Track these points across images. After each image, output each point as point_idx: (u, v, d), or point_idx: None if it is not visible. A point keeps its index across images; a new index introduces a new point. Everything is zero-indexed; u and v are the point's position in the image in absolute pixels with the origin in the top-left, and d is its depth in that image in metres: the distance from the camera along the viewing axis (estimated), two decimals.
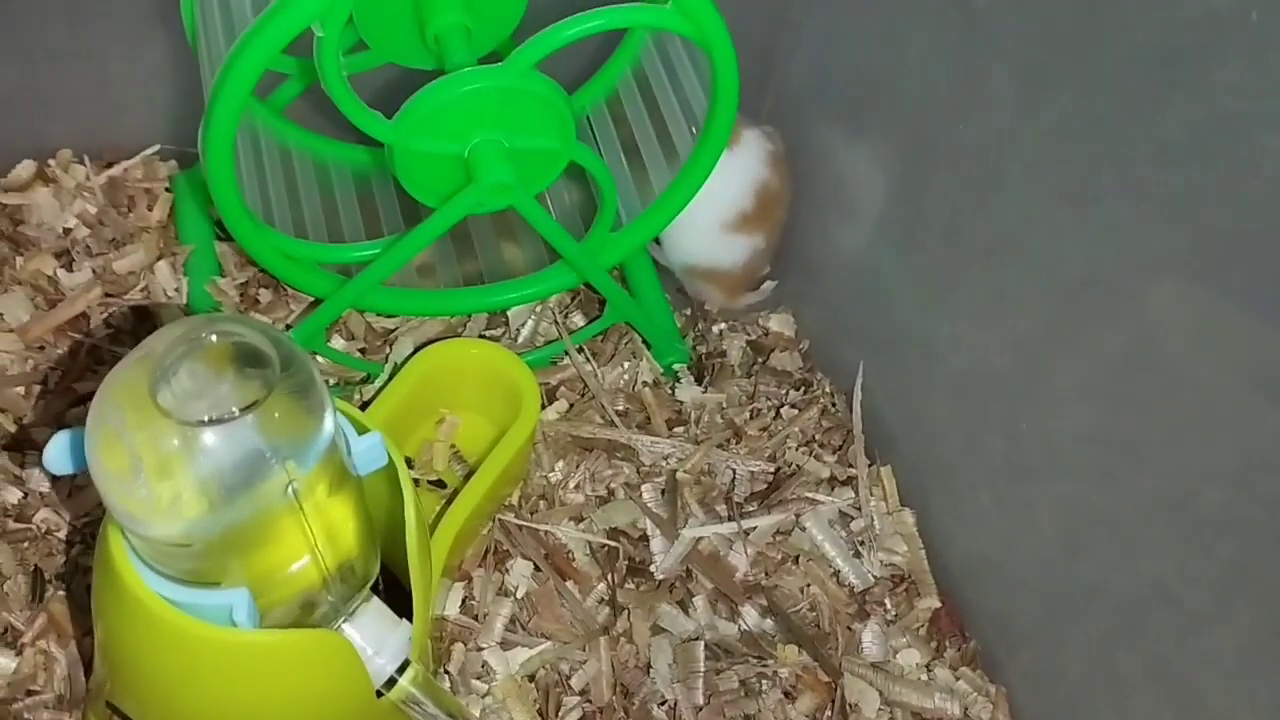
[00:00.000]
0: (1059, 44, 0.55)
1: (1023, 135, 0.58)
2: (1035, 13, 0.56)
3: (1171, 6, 0.48)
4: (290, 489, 0.43)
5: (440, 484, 0.68)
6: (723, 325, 0.81)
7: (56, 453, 0.45)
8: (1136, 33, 0.50)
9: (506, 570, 0.66)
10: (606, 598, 0.66)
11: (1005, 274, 0.62)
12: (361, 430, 0.49)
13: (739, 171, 0.74)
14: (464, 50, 0.62)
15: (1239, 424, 0.49)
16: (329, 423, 0.44)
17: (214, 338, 0.42)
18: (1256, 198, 0.46)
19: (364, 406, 0.68)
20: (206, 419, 0.41)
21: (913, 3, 0.64)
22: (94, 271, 0.72)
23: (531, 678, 0.63)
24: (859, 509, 0.70)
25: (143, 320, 0.71)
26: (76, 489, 0.65)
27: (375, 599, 0.50)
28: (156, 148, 0.79)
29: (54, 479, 0.64)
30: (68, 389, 0.68)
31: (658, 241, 0.79)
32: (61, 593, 0.62)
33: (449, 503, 0.64)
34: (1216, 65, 0.46)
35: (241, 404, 0.41)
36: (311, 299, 0.73)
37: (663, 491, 0.70)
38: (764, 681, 0.64)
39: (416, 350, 0.70)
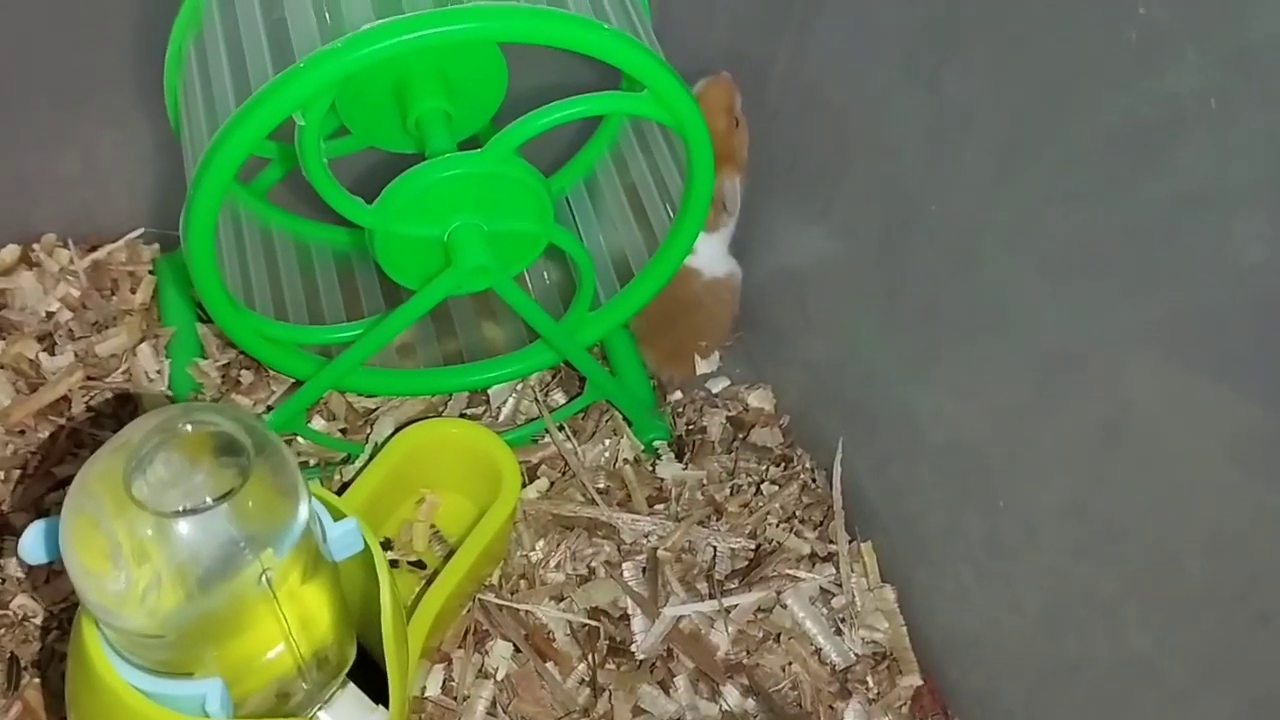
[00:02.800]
0: (1029, 125, 0.56)
1: (997, 212, 0.59)
2: (1005, 96, 0.57)
3: (1135, 90, 0.49)
4: (264, 578, 0.43)
5: (420, 564, 0.68)
6: (679, 395, 0.81)
7: (32, 542, 0.45)
8: (1103, 115, 0.51)
9: (486, 651, 0.66)
10: (587, 679, 0.66)
11: (983, 348, 0.62)
12: (337, 516, 0.49)
13: None
14: (444, 135, 0.63)
15: (1217, 497, 0.49)
16: (303, 511, 0.44)
17: (189, 427, 0.43)
18: (1222, 275, 0.46)
19: (344, 487, 0.68)
20: (180, 509, 0.41)
21: (886, 85, 0.65)
22: (76, 355, 0.73)
23: None
24: (840, 585, 0.70)
25: (124, 403, 0.71)
26: (54, 574, 0.64)
27: (351, 685, 0.50)
28: (140, 231, 0.79)
29: (30, 565, 0.64)
30: (47, 473, 0.68)
31: None
32: (37, 680, 0.61)
33: (429, 583, 0.63)
34: (1180, 147, 0.47)
35: (216, 494, 0.41)
36: (293, 380, 0.74)
37: (643, 570, 0.70)
38: None
39: (397, 430, 0.70)
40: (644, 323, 0.79)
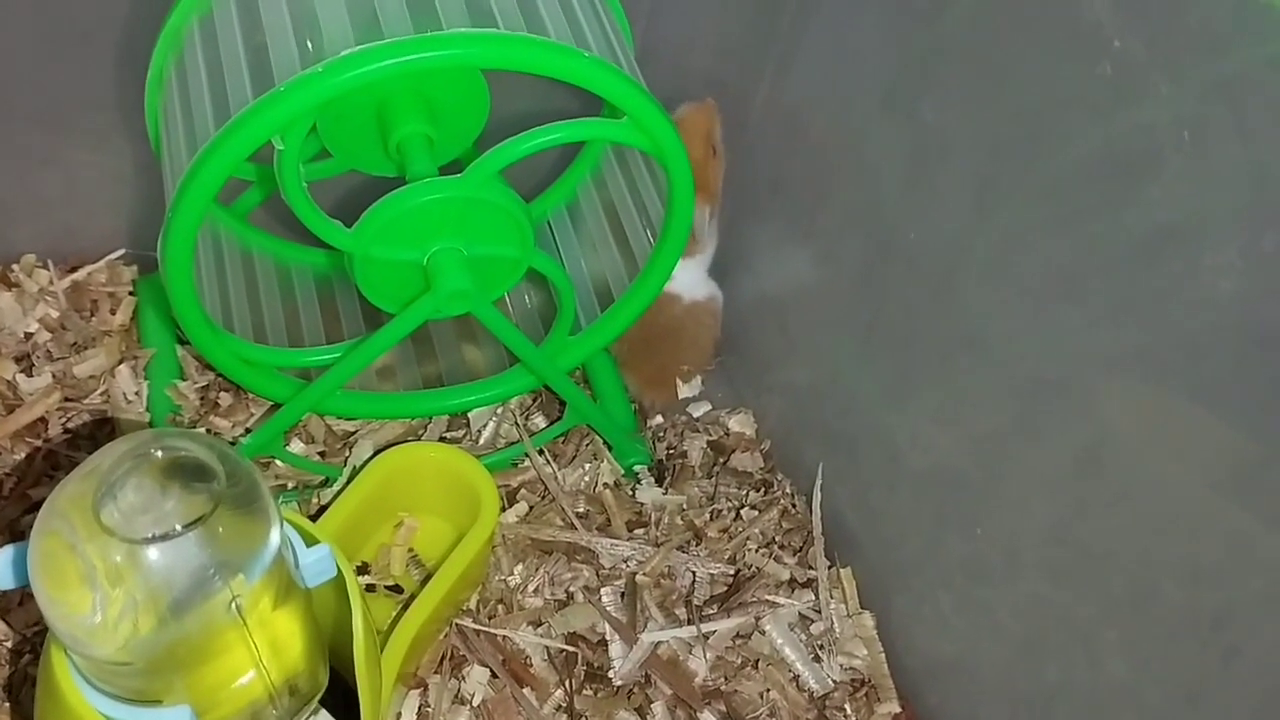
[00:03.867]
0: (1007, 155, 0.56)
1: (975, 240, 0.59)
2: (983, 126, 0.57)
3: (1110, 122, 0.49)
4: (234, 604, 0.42)
5: (397, 588, 0.68)
6: (660, 419, 0.81)
7: (0, 568, 0.45)
8: (1079, 146, 0.52)
9: (463, 677, 0.65)
10: (564, 705, 0.65)
11: (962, 375, 0.62)
12: (311, 541, 0.49)
13: None
14: (426, 159, 0.63)
15: (1196, 521, 0.49)
16: (275, 537, 0.44)
17: (159, 453, 0.43)
18: (1197, 304, 0.47)
19: (322, 510, 0.68)
20: (150, 536, 0.41)
21: (867, 115, 0.66)
22: (54, 376, 0.72)
23: None
24: (819, 612, 0.70)
25: (102, 426, 0.71)
26: (26, 598, 0.64)
27: (323, 712, 0.50)
28: (121, 252, 0.79)
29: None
30: (22, 495, 0.67)
31: None
32: (8, 705, 0.61)
33: (406, 607, 0.63)
34: (1154, 179, 0.48)
35: (186, 520, 0.41)
36: (272, 402, 0.73)
37: (622, 595, 0.70)
38: None
39: (376, 453, 0.70)
40: (625, 347, 0.79)
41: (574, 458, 0.77)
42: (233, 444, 0.72)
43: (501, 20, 0.56)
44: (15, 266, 0.78)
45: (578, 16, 0.60)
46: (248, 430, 0.73)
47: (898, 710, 0.67)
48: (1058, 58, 0.51)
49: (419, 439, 0.75)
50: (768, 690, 0.67)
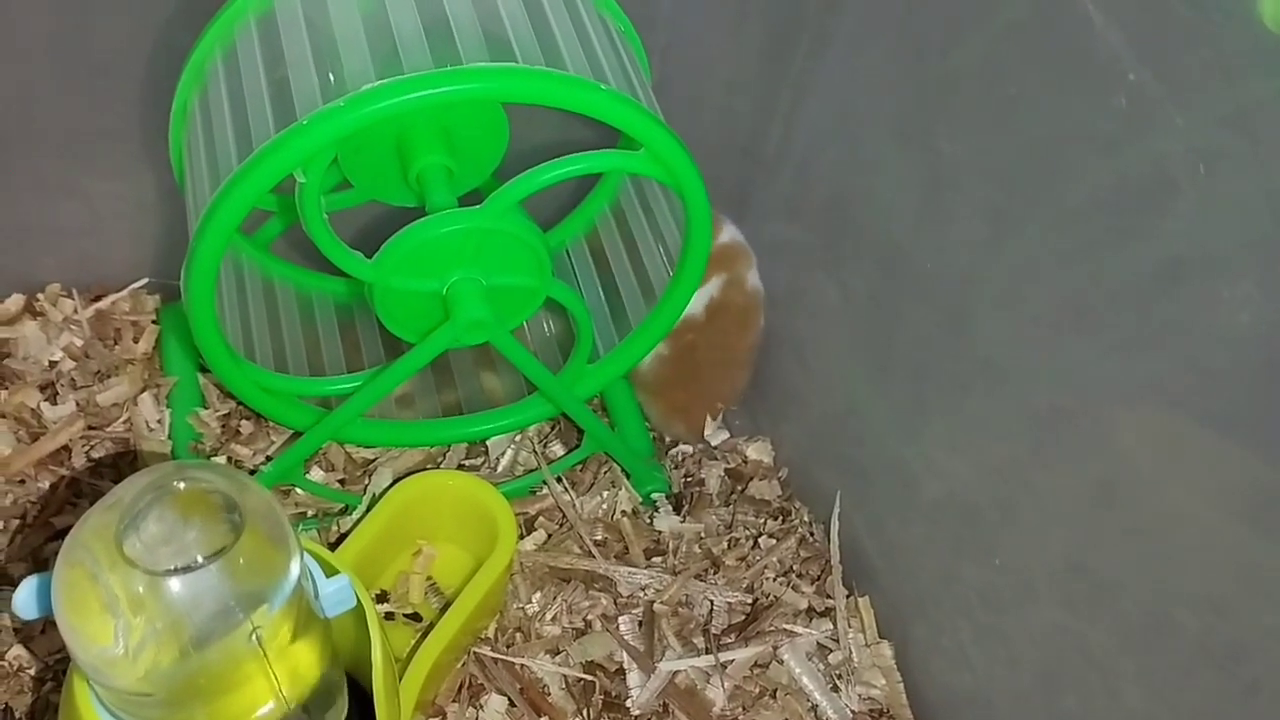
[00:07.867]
0: (1022, 186, 0.56)
1: (989, 271, 0.59)
2: (998, 157, 0.57)
3: (1125, 155, 0.49)
4: (254, 635, 0.43)
5: (416, 617, 0.68)
6: (685, 448, 0.81)
7: (25, 597, 0.45)
8: (1094, 178, 0.52)
9: (481, 705, 0.65)
10: None
11: (977, 404, 0.62)
12: (330, 572, 0.50)
13: None
14: (445, 190, 0.63)
15: (1214, 551, 0.49)
16: (295, 569, 0.44)
17: (182, 485, 0.43)
18: (1213, 335, 0.47)
19: (342, 538, 0.68)
20: (172, 567, 0.41)
21: (881, 145, 0.66)
22: (77, 404, 0.73)
23: None
24: (837, 641, 0.70)
25: (124, 453, 0.72)
26: (49, 625, 0.64)
27: None
28: (144, 281, 0.80)
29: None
30: (46, 523, 0.68)
31: None
32: None
33: (424, 636, 0.63)
34: (1169, 211, 0.48)
35: (207, 551, 0.42)
36: (292, 430, 0.74)
37: (640, 623, 0.70)
38: None
39: (396, 481, 0.70)
40: (655, 373, 0.79)
41: (592, 486, 0.77)
42: (253, 472, 0.72)
43: (520, 53, 0.57)
44: (40, 295, 0.79)
45: (595, 49, 0.61)
46: (269, 458, 0.74)
47: None
48: (1073, 90, 0.51)
49: (438, 467, 0.76)
50: None
